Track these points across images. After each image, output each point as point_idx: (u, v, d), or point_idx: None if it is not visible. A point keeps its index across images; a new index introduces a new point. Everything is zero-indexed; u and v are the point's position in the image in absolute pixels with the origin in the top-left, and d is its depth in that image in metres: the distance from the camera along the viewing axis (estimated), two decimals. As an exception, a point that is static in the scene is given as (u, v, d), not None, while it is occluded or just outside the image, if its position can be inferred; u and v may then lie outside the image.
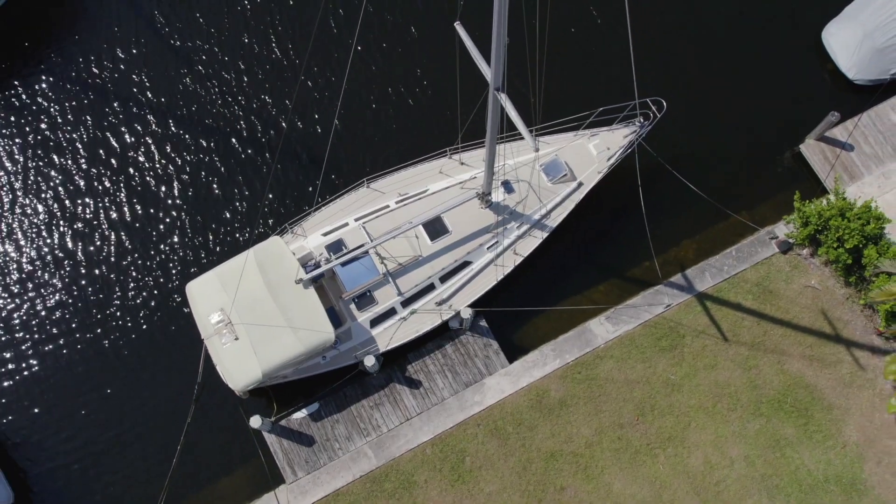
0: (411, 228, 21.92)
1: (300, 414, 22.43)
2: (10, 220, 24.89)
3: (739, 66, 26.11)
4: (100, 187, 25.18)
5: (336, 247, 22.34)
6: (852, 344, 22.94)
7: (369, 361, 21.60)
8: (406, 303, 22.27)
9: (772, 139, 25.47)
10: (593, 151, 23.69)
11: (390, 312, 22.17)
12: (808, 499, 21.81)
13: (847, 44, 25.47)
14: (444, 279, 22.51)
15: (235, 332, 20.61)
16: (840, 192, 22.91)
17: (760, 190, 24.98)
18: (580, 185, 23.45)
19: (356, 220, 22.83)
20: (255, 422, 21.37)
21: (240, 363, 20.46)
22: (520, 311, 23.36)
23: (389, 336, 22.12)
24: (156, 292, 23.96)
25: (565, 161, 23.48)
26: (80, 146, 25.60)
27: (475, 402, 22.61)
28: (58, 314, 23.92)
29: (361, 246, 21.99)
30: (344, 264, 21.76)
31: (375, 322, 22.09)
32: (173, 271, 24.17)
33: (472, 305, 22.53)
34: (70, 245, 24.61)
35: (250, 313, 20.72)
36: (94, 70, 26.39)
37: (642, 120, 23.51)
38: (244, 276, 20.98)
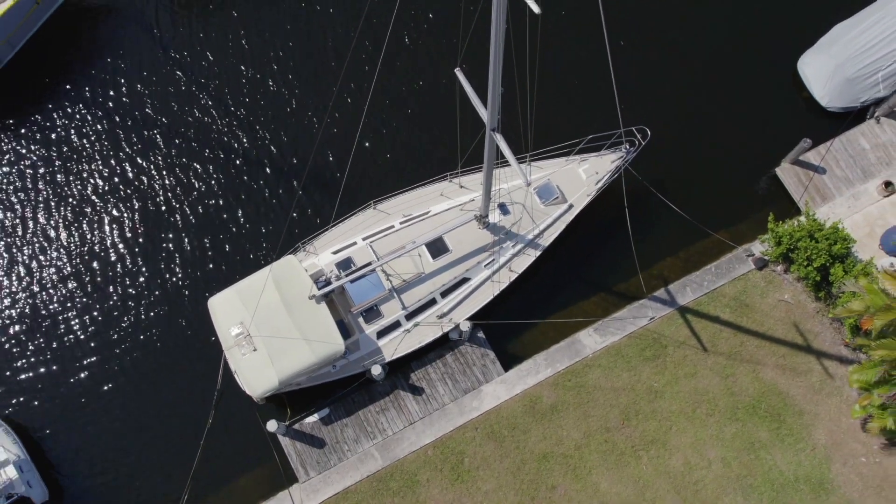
0: (415, 248, 23.81)
1: (312, 418, 24.34)
2: (42, 239, 26.82)
3: (720, 94, 27.96)
4: (126, 211, 27.10)
5: (345, 264, 24.24)
6: (822, 354, 24.83)
7: (376, 370, 23.52)
8: (410, 316, 24.16)
9: (750, 162, 27.33)
10: (583, 176, 25.58)
11: (395, 325, 24.07)
12: (779, 497, 23.69)
13: (820, 73, 27.34)
14: (444, 294, 24.40)
15: (254, 344, 22.53)
16: (811, 214, 24.80)
17: (739, 210, 26.84)
18: (571, 206, 25.34)
19: (364, 239, 24.73)
20: (272, 426, 23.31)
21: (258, 372, 22.38)
22: (514, 323, 25.24)
23: (394, 347, 24.02)
24: (178, 307, 25.87)
25: (557, 185, 25.39)
26: (104, 171, 27.52)
27: (473, 407, 24.52)
28: (88, 328, 25.83)
29: (369, 264, 23.88)
30: (353, 281, 23.63)
31: (381, 334, 24.00)
32: (195, 287, 26.05)
33: (470, 318, 24.41)
34: (100, 263, 26.54)
35: (267, 326, 22.62)
36: (119, 98, 28.32)
37: (628, 146, 25.36)
38: (262, 293, 22.87)
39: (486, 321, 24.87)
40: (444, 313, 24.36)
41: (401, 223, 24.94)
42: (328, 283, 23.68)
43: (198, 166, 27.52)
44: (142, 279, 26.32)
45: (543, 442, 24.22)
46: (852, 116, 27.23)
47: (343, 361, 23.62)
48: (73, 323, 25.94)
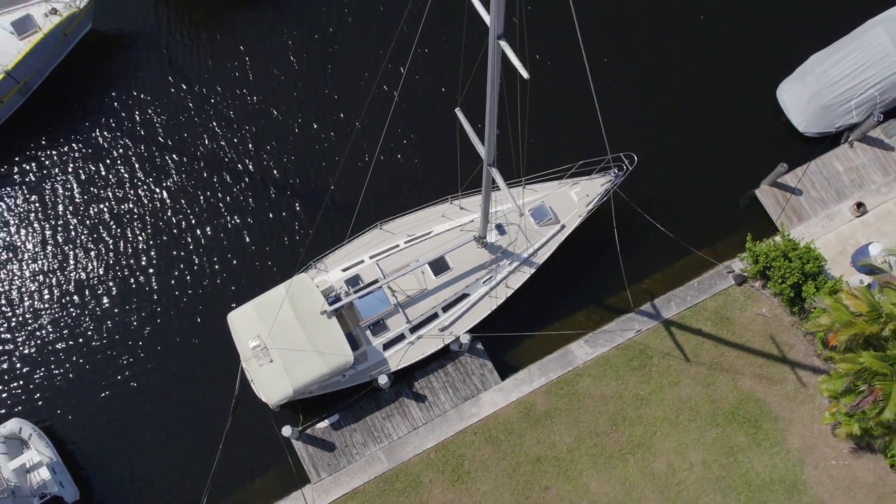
0: (418, 266, 25.74)
1: (323, 424, 26.28)
2: (68, 257, 28.80)
3: (703, 120, 29.81)
4: (143, 231, 29.06)
5: (354, 281, 26.18)
6: (796, 364, 26.72)
7: (382, 379, 25.46)
8: (413, 329, 26.09)
9: (731, 184, 29.17)
10: (574, 198, 27.48)
11: (400, 337, 26.00)
12: (755, 497, 25.59)
13: (798, 101, 29.19)
14: (446, 309, 26.32)
15: (270, 356, 24.48)
16: (786, 235, 26.69)
17: (720, 229, 28.70)
18: (563, 227, 27.24)
19: (371, 257, 26.65)
20: (286, 431, 25.27)
21: (274, 382, 24.33)
22: (511, 335, 27.13)
23: (399, 357, 25.95)
24: (197, 321, 27.80)
25: (550, 206, 27.29)
26: (129, 189, 29.49)
27: (472, 413, 26.44)
28: (114, 340, 27.79)
29: (376, 281, 25.80)
30: (361, 297, 25.55)
31: (387, 346, 25.93)
32: (212, 302, 27.94)
33: (470, 331, 26.31)
34: (123, 279, 28.51)
35: (283, 339, 24.57)
36: (136, 122, 30.28)
37: (617, 171, 27.25)
38: (277, 309, 24.82)
39: (484, 334, 26.75)
40: (446, 326, 26.25)
41: (405, 242, 26.85)
42: (338, 299, 25.61)
43: (211, 190, 29.46)
44: (163, 294, 28.26)
45: (537, 446, 26.12)
46: (828, 141, 29.07)
47: (352, 371, 25.53)
48: (99, 334, 27.88)
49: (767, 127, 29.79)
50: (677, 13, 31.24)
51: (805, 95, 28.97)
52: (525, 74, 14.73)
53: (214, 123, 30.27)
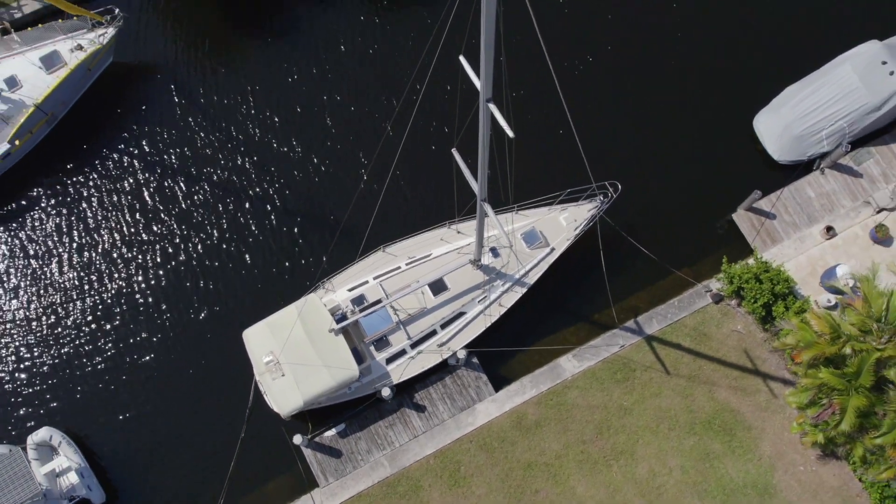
0: (419, 287, 27.90)
1: (330, 432, 28.44)
2: (103, 272, 31.01)
3: (684, 148, 31.86)
4: (169, 252, 31.27)
5: (359, 300, 28.34)
6: (768, 377, 28.85)
7: (385, 391, 27.63)
8: (414, 345, 28.24)
9: (710, 208, 31.24)
10: (563, 223, 29.62)
11: (402, 352, 28.16)
12: (730, 500, 27.73)
13: (773, 131, 31.29)
14: (444, 326, 28.46)
15: (283, 370, 26.66)
16: (759, 258, 28.84)
17: (699, 251, 30.78)
18: (553, 249, 29.37)
19: (374, 278, 28.81)
20: (297, 439, 27.47)
21: (286, 394, 26.52)
22: (504, 350, 29.27)
23: (401, 371, 28.10)
24: (214, 337, 29.94)
25: (540, 231, 29.43)
26: (148, 212, 31.68)
27: (468, 422, 28.60)
28: (137, 355, 29.99)
29: (379, 300, 27.96)
30: (365, 315, 27.72)
31: (390, 360, 28.09)
32: (228, 321, 30.02)
33: (466, 346, 28.47)
34: (151, 297, 30.72)
35: (294, 355, 26.74)
36: (155, 149, 32.49)
37: (602, 198, 29.36)
38: (289, 326, 27.00)
39: (479, 349, 28.87)
40: (444, 342, 28.41)
41: (406, 264, 29.01)
42: (344, 317, 27.79)
43: (225, 216, 31.65)
44: (181, 312, 30.42)
45: (528, 452, 28.27)
46: (800, 168, 31.18)
47: (357, 384, 27.68)
48: (121, 351, 30.06)
49: (744, 155, 31.85)
50: (657, 48, 33.36)
51: (779, 126, 31.06)
52: (511, 134, 16.89)
53: (227, 152, 32.45)
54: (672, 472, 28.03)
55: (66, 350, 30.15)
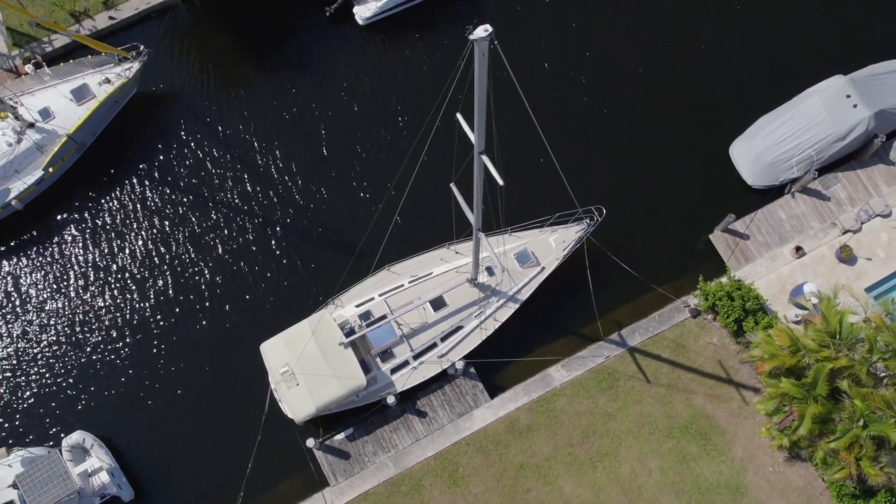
0: (421, 304, 30.54)
1: (340, 436, 31.06)
2: (131, 287, 33.71)
3: (665, 174, 34.47)
4: (190, 266, 33.95)
5: (365, 315, 30.98)
6: (740, 386, 31.46)
7: (390, 399, 30.29)
8: (416, 356, 30.85)
9: (690, 229, 33.83)
10: (553, 244, 32.24)
11: (405, 363, 30.79)
12: (704, 499, 30.33)
13: (747, 158, 33.89)
14: (443, 339, 31.08)
15: (297, 380, 29.31)
16: (732, 276, 31.48)
17: (679, 269, 33.32)
18: (543, 269, 31.99)
19: (380, 295, 31.44)
20: (310, 442, 30.14)
21: (300, 402, 29.16)
22: (499, 361, 31.87)
23: (404, 380, 30.72)
24: (234, 349, 32.57)
25: (532, 251, 32.06)
26: (171, 232, 34.36)
27: (466, 427, 31.23)
28: (162, 364, 32.65)
29: (384, 316, 30.60)
30: (372, 329, 30.34)
31: (394, 370, 30.71)
32: (246, 334, 32.61)
33: (464, 358, 31.09)
34: (177, 309, 33.39)
35: (307, 366, 29.36)
36: (186, 174, 35.16)
37: (589, 220, 31.93)
38: (302, 340, 29.65)
39: (476, 360, 31.48)
40: (444, 354, 31.03)
41: (409, 282, 31.64)
42: (352, 331, 30.43)
43: (243, 238, 34.34)
44: (203, 326, 33.09)
45: (521, 455, 30.90)
46: (773, 192, 33.81)
47: (364, 392, 30.29)
48: (147, 361, 32.72)
49: (721, 180, 34.45)
50: (637, 84, 36.18)
51: (753, 153, 33.68)
52: (500, 182, 19.54)
53: (243, 178, 35.12)
54: (652, 473, 30.62)
55: (96, 360, 32.78)
